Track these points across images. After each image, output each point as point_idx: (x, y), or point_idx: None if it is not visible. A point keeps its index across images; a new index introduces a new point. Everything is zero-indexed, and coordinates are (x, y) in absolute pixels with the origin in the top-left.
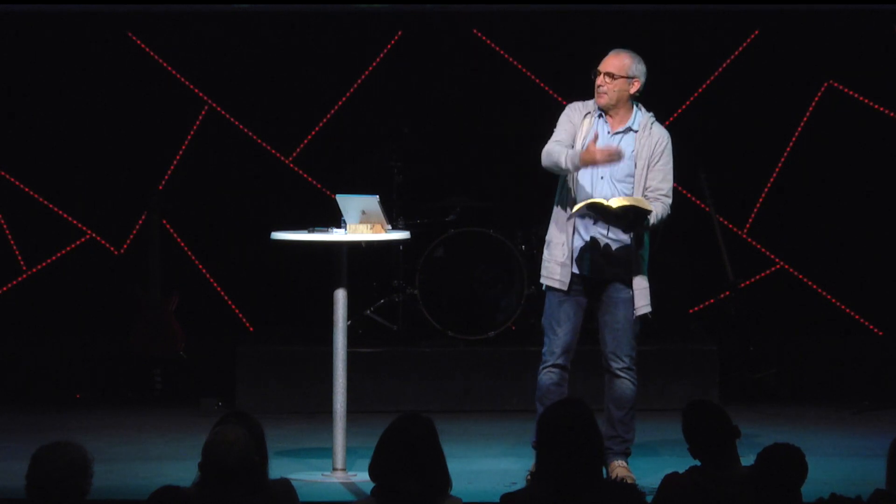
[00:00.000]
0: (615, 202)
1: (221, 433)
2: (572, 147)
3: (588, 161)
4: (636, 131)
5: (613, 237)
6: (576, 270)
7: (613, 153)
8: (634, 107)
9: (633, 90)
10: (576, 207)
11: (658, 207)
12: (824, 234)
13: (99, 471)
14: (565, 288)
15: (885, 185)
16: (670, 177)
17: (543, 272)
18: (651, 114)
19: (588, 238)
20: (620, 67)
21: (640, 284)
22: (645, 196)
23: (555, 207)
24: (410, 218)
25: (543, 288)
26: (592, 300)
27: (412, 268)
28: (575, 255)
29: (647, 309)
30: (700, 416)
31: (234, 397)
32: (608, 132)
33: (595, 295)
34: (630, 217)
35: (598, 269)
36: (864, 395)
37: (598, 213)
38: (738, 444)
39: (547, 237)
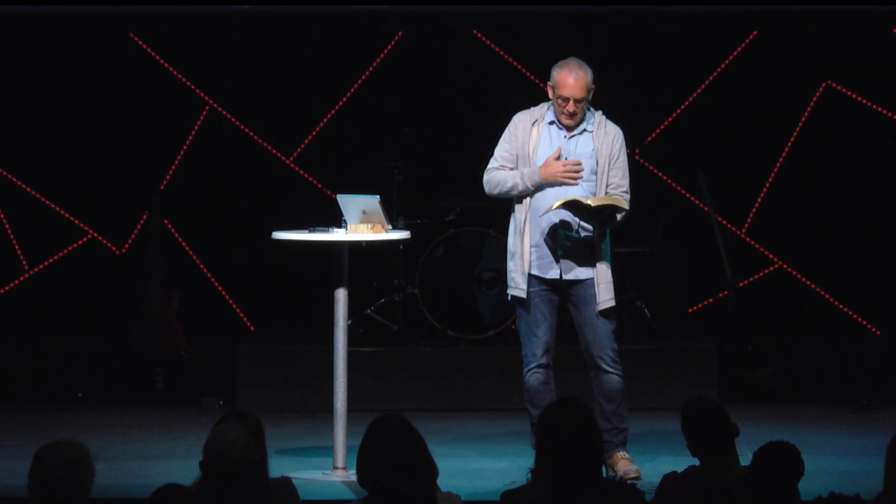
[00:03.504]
0: (593, 201)
1: (222, 432)
2: (516, 165)
3: (549, 177)
4: (591, 131)
5: (579, 235)
6: (541, 274)
7: (575, 165)
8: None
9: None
10: (555, 205)
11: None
12: (823, 233)
13: (100, 469)
14: (524, 296)
15: (883, 185)
16: (628, 173)
17: (510, 283)
18: (600, 111)
19: (552, 241)
20: (585, 87)
21: (605, 278)
22: (607, 193)
23: (512, 216)
24: (410, 218)
25: (510, 299)
26: (563, 298)
27: (412, 267)
28: (540, 260)
29: (611, 303)
30: (699, 414)
31: (235, 396)
32: (564, 136)
33: (565, 293)
34: (605, 214)
35: (566, 270)
36: (863, 394)
37: (574, 210)
38: (737, 443)
39: (510, 248)
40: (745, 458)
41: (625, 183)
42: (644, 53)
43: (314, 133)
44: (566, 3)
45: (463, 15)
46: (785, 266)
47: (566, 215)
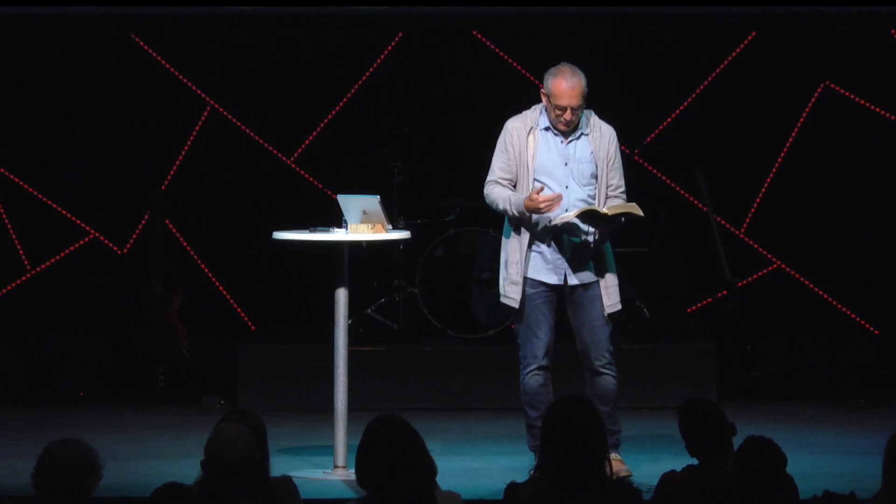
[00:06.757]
0: (610, 210)
1: (223, 431)
2: (514, 176)
3: (531, 209)
4: (587, 134)
5: (581, 239)
6: (544, 279)
7: (555, 200)
8: None
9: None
10: (572, 214)
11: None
12: (821, 233)
13: None
14: (517, 305)
15: (881, 185)
16: (622, 171)
17: (503, 292)
18: (591, 111)
19: (556, 245)
20: (580, 94)
21: (611, 282)
22: (608, 196)
23: (506, 223)
24: (411, 218)
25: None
26: (562, 300)
27: (412, 267)
28: (543, 264)
29: (618, 307)
30: (696, 414)
31: (236, 395)
32: (561, 142)
33: (566, 295)
34: (619, 221)
35: (570, 273)
36: (860, 394)
37: (588, 219)
38: (735, 443)
39: (503, 256)
40: None
41: (623, 183)
42: (643, 54)
43: (314, 133)
44: (566, 4)
45: (463, 16)
46: (783, 266)
47: (572, 221)
